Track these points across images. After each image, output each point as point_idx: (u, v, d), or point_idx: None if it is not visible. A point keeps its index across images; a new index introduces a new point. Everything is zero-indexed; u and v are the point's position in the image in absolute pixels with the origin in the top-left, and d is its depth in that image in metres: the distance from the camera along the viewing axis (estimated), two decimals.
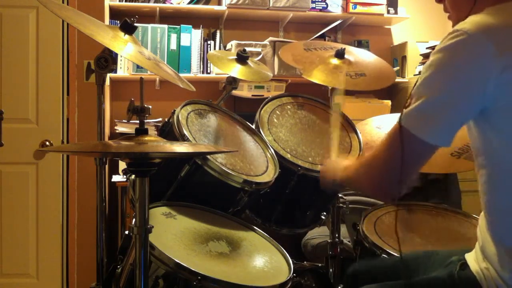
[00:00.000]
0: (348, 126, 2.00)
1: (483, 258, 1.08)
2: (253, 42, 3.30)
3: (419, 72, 3.47)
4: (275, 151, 1.78)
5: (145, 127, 1.20)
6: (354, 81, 1.95)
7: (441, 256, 1.28)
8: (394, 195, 1.09)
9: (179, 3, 3.32)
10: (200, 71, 3.31)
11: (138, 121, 1.22)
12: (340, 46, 2.09)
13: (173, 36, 3.26)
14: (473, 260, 1.12)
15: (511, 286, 1.02)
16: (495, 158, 1.03)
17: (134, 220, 1.16)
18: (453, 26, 1.16)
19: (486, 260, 1.07)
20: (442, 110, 0.99)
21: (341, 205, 1.98)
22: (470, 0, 1.09)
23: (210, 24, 3.50)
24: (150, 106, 1.26)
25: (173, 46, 3.26)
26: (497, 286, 1.04)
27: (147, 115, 1.25)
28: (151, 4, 3.28)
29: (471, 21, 1.00)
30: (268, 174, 1.70)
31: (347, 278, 1.52)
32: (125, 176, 1.75)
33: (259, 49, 3.26)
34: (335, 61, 2.03)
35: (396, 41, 3.84)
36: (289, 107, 1.99)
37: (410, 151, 1.01)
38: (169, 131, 1.67)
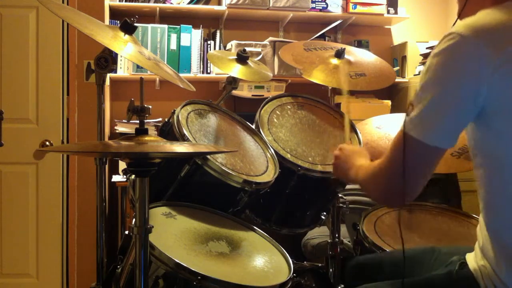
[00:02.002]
0: (348, 126, 1.99)
1: (481, 257, 1.09)
2: (253, 42, 3.30)
3: (419, 72, 3.47)
4: (275, 151, 1.78)
5: (145, 127, 1.20)
6: (354, 81, 1.95)
7: (443, 255, 1.28)
8: (402, 202, 1.09)
9: (179, 3, 3.32)
10: (200, 71, 3.31)
11: (138, 121, 1.22)
12: (340, 46, 2.09)
13: (173, 36, 3.26)
14: (472, 259, 1.13)
15: (506, 283, 1.03)
16: (492, 157, 1.04)
17: (134, 220, 1.16)
18: (458, 12, 1.18)
19: (484, 258, 1.08)
20: (441, 114, 1.01)
21: (341, 205, 1.98)
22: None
23: (210, 24, 3.50)
24: (150, 106, 1.26)
25: (173, 46, 3.26)
26: (493, 283, 1.04)
27: (147, 115, 1.25)
28: (151, 4, 3.28)
29: (465, 23, 1.01)
30: (268, 174, 1.70)
31: (348, 270, 1.52)
32: (125, 176, 1.75)
33: (259, 49, 3.26)
34: (335, 61, 2.03)
35: (396, 41, 3.84)
36: (289, 107, 1.99)
37: (415, 156, 1.03)
38: (169, 131, 1.67)
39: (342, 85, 1.87)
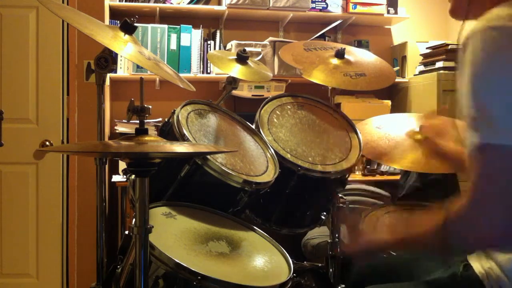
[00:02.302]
0: (348, 126, 2.00)
1: (486, 258, 1.09)
2: (253, 42, 3.31)
3: (419, 72, 3.47)
4: (275, 151, 1.78)
5: (145, 127, 1.20)
6: (354, 81, 1.95)
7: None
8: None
9: (179, 3, 3.32)
10: (200, 71, 3.31)
11: (138, 121, 1.22)
12: (340, 46, 2.09)
13: (173, 36, 3.26)
14: (476, 261, 1.12)
15: None
16: None
17: (134, 220, 1.16)
18: (450, 9, 1.14)
19: (490, 260, 1.07)
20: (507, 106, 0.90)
21: (341, 205, 1.98)
22: None
23: (210, 24, 3.50)
24: (150, 106, 1.26)
25: (173, 46, 3.26)
26: (500, 285, 1.04)
27: (147, 115, 1.24)
28: (151, 4, 3.28)
29: (500, 15, 0.95)
30: (268, 174, 1.70)
31: (350, 277, 1.52)
32: (125, 176, 1.75)
33: (259, 49, 3.26)
34: (335, 61, 2.03)
35: (396, 41, 3.84)
36: (289, 107, 1.99)
37: (501, 168, 0.90)
38: (169, 131, 1.66)
39: (341, 85, 1.86)
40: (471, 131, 0.92)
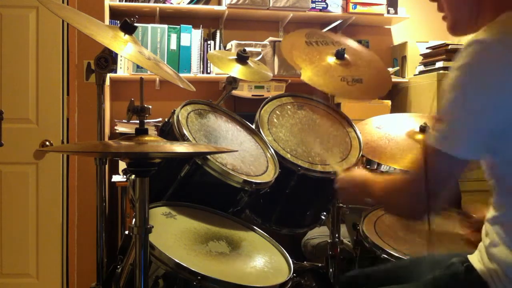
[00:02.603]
0: (348, 126, 2.00)
1: (489, 260, 1.08)
2: (253, 42, 3.30)
3: (419, 72, 3.47)
4: (275, 151, 1.78)
5: (145, 127, 1.20)
6: (350, 88, 1.94)
7: (440, 259, 1.27)
8: (427, 216, 1.09)
9: (179, 3, 3.32)
10: (200, 71, 3.31)
11: (138, 121, 1.22)
12: (341, 39, 2.07)
13: (173, 36, 3.26)
14: (478, 261, 1.12)
15: None
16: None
17: (134, 220, 1.16)
18: (449, 27, 1.17)
19: (493, 261, 1.07)
20: (472, 125, 1.00)
21: (341, 205, 1.98)
22: (469, 2, 1.09)
23: (210, 24, 3.50)
24: (150, 106, 1.26)
25: (173, 46, 3.26)
26: (504, 285, 1.04)
27: (147, 115, 1.24)
28: (151, 4, 3.28)
29: (489, 32, 0.99)
30: (268, 174, 1.70)
31: (346, 283, 1.52)
32: (125, 176, 1.75)
33: (259, 49, 3.26)
34: (333, 59, 2.02)
35: (396, 41, 3.84)
36: (289, 107, 1.99)
37: (444, 170, 1.04)
38: (169, 131, 1.66)
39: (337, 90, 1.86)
40: (433, 130, 1.03)
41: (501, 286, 1.04)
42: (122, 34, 1.56)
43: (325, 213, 1.90)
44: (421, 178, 1.05)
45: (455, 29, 1.16)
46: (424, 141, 1.06)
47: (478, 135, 1.01)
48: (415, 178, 1.09)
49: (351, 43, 2.15)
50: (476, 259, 1.12)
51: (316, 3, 3.45)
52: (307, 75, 1.93)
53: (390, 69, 3.51)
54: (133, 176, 1.56)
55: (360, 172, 1.41)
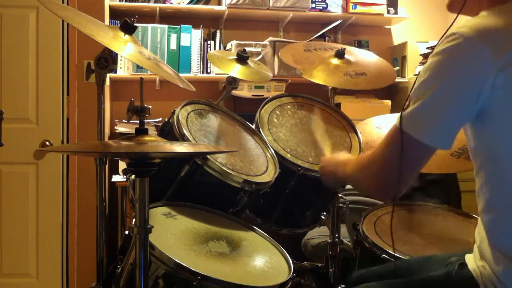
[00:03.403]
0: (348, 126, 2.00)
1: (480, 257, 1.09)
2: (253, 42, 3.30)
3: (419, 72, 3.47)
4: (275, 151, 1.78)
5: (145, 127, 1.20)
6: (354, 81, 1.95)
7: (441, 258, 1.28)
8: (393, 195, 1.11)
9: (179, 3, 3.32)
10: (200, 71, 3.31)
11: (138, 121, 1.22)
12: (340, 46, 2.09)
13: (173, 36, 3.26)
14: (471, 259, 1.13)
15: (505, 283, 1.02)
16: (492, 158, 1.04)
17: (134, 220, 1.16)
18: (447, 4, 1.18)
19: (483, 258, 1.08)
20: (439, 112, 1.01)
21: (341, 205, 1.99)
22: None
23: (210, 24, 3.50)
24: (150, 106, 1.26)
25: (173, 46, 3.26)
26: (493, 284, 1.04)
27: (147, 115, 1.24)
28: (151, 4, 3.28)
29: (468, 24, 1.01)
30: (268, 174, 1.70)
31: (349, 283, 1.52)
32: (125, 176, 1.75)
33: (259, 49, 3.26)
34: (335, 61, 2.03)
35: (396, 41, 3.84)
36: (289, 107, 1.99)
37: (408, 153, 1.04)
38: (169, 131, 1.66)
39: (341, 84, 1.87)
40: (402, 112, 1.04)
41: (489, 283, 1.05)
42: (122, 34, 1.56)
43: (325, 213, 1.90)
44: (388, 156, 1.07)
45: (452, 6, 1.18)
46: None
47: (448, 122, 1.01)
48: (382, 155, 1.10)
49: (349, 47, 2.15)
50: (471, 258, 1.13)
51: (316, 3, 3.45)
52: (309, 73, 1.94)
53: None
54: (133, 176, 1.56)
55: (340, 154, 1.50)
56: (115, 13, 3.31)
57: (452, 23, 1.05)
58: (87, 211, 2.81)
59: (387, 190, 1.11)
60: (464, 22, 1.03)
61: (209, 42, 3.37)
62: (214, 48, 3.37)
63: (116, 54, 2.19)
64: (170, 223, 1.45)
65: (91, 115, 2.76)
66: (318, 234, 2.61)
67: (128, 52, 1.50)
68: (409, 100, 1.05)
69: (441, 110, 1.01)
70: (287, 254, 1.47)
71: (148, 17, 3.35)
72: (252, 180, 1.60)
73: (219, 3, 3.47)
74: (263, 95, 3.27)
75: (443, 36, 1.03)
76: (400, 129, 1.04)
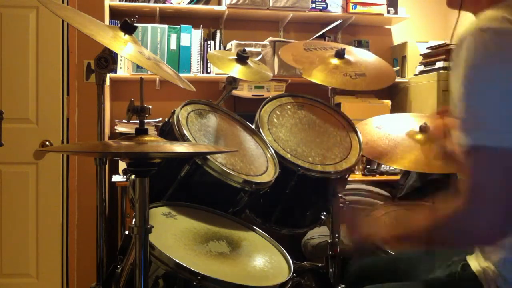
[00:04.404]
0: (348, 126, 2.00)
1: (484, 258, 1.09)
2: (253, 42, 3.31)
3: (419, 72, 3.47)
4: (275, 151, 1.78)
5: (145, 127, 1.20)
6: (354, 81, 1.95)
7: (443, 256, 1.28)
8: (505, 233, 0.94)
9: (179, 3, 3.32)
10: (200, 71, 3.32)
11: (138, 121, 1.22)
12: (340, 45, 2.09)
13: (173, 36, 3.26)
14: (474, 260, 1.13)
15: (510, 283, 1.02)
16: None
17: (134, 220, 1.16)
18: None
19: (487, 260, 1.08)
20: (507, 110, 0.91)
21: (341, 205, 1.98)
22: None
23: (210, 24, 3.50)
24: (150, 106, 1.26)
25: (173, 46, 3.26)
26: (497, 285, 1.04)
27: (147, 115, 1.24)
28: (151, 4, 3.28)
29: (490, 16, 0.96)
30: (268, 174, 1.70)
31: (349, 277, 1.52)
32: (125, 176, 1.75)
33: (259, 49, 3.26)
34: (335, 61, 2.03)
35: (396, 41, 3.84)
36: (289, 107, 1.99)
37: (500, 167, 0.90)
38: (169, 131, 1.66)
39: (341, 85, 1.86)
40: (462, 132, 0.93)
41: (493, 284, 1.05)
42: (122, 34, 1.55)
43: (325, 213, 1.89)
44: (483, 190, 0.91)
45: (452, 2, 1.16)
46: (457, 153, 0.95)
47: (498, 118, 0.91)
48: (477, 194, 0.92)
49: (349, 47, 2.16)
50: (473, 259, 1.13)
51: (316, 3, 3.45)
52: (309, 73, 1.94)
53: None
54: (133, 176, 1.56)
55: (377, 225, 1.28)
56: (115, 13, 3.31)
57: (456, 24, 1.04)
58: (87, 211, 2.81)
59: (500, 230, 0.92)
60: (485, 16, 0.97)
61: (209, 42, 3.37)
62: (214, 48, 3.37)
63: (116, 54, 2.19)
64: (170, 223, 1.45)
65: (91, 115, 2.75)
66: (318, 234, 2.61)
67: (128, 52, 1.50)
68: (461, 117, 0.94)
69: (508, 108, 0.91)
70: (287, 254, 1.47)
71: (148, 17, 3.35)
72: (252, 180, 1.60)
73: (219, 3, 3.47)
74: (263, 95, 3.27)
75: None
76: (480, 147, 0.90)
